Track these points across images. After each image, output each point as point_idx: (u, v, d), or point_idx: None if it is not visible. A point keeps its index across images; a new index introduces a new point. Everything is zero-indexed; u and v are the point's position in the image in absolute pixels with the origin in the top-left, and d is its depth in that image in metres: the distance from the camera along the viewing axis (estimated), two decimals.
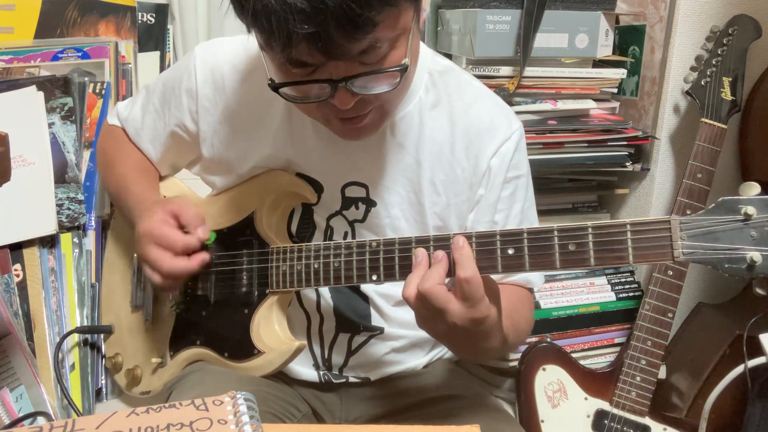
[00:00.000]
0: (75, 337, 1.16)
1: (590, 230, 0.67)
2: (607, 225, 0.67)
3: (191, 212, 0.88)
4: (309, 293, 0.95)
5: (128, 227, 1.09)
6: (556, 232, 0.69)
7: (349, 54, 0.66)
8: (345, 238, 0.93)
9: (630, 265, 1.37)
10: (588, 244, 0.67)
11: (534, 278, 0.97)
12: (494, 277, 0.92)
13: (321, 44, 0.64)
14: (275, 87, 0.72)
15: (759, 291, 0.64)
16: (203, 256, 0.88)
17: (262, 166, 0.93)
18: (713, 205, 0.64)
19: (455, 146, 0.90)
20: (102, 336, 1.18)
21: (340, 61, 0.67)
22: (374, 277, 0.79)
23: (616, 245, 0.67)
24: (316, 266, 0.84)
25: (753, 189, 0.64)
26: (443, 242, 0.73)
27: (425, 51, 0.92)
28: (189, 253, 0.87)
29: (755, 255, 0.62)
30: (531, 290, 0.98)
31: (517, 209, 0.94)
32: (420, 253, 0.73)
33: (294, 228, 0.95)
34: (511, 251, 0.70)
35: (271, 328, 0.92)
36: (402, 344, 0.99)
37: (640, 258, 0.66)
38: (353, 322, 0.96)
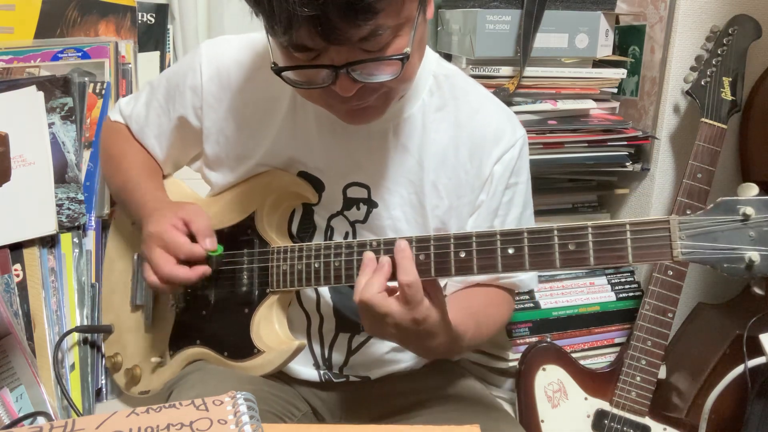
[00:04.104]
0: (75, 337, 1.16)
1: (590, 230, 0.68)
2: (606, 225, 0.67)
3: (203, 222, 0.89)
4: (308, 293, 0.95)
5: (129, 226, 1.09)
6: (556, 232, 0.69)
7: (349, 40, 0.66)
8: (346, 238, 0.93)
9: (630, 265, 1.37)
10: (588, 243, 0.68)
11: (524, 282, 0.97)
12: (491, 276, 0.93)
13: (321, 28, 0.64)
14: (278, 71, 0.72)
15: (757, 290, 0.64)
16: (204, 269, 0.88)
17: (265, 164, 0.93)
18: (712, 205, 0.64)
19: (459, 150, 0.90)
20: (102, 335, 1.18)
21: (341, 47, 0.67)
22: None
23: (615, 245, 0.67)
24: (316, 266, 0.84)
25: (751, 190, 0.64)
26: (444, 242, 0.74)
27: (431, 55, 0.92)
28: (191, 262, 0.88)
29: (754, 255, 0.62)
30: (514, 293, 0.99)
31: (513, 215, 0.95)
32: (367, 257, 0.75)
33: (294, 228, 0.95)
34: (511, 251, 0.71)
35: (271, 328, 0.92)
36: None
37: (640, 258, 0.66)
38: (353, 322, 0.96)
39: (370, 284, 0.72)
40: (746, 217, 0.62)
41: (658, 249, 0.65)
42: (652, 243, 0.66)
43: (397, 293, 0.72)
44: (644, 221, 0.66)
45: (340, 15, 0.63)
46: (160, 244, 0.87)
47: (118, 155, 1.06)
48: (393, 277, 0.74)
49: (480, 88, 0.95)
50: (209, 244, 0.88)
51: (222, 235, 0.95)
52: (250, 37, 0.93)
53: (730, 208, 0.63)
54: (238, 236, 0.94)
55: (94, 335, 1.18)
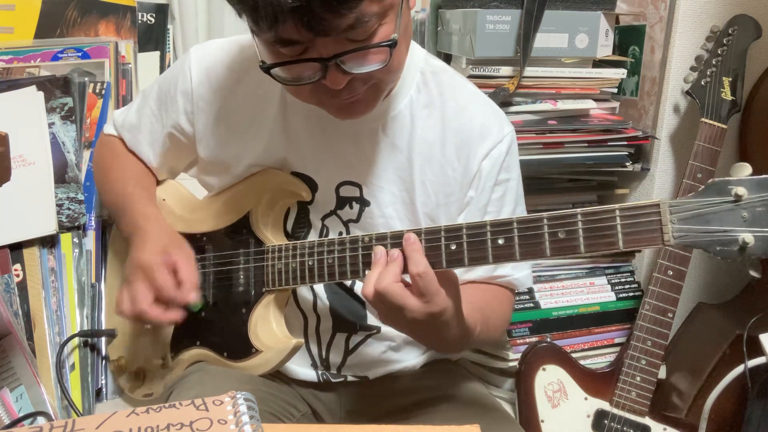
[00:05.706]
0: (75, 338, 1.15)
1: (579, 217, 0.67)
2: (596, 211, 0.67)
3: (192, 272, 0.88)
4: (305, 294, 0.95)
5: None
6: (545, 220, 0.68)
7: (335, 30, 0.66)
8: None
9: (626, 261, 1.37)
10: (578, 231, 0.67)
11: (519, 280, 0.96)
12: (481, 271, 0.92)
13: (306, 19, 0.64)
14: (266, 68, 0.72)
15: (753, 274, 0.63)
16: (176, 317, 0.87)
17: (257, 165, 0.93)
18: (703, 187, 0.63)
19: (446, 147, 0.90)
20: (104, 338, 1.17)
21: (328, 38, 0.67)
22: (367, 273, 0.78)
23: (605, 231, 0.66)
24: (310, 263, 0.84)
25: (745, 169, 0.62)
26: (434, 235, 0.73)
27: (419, 51, 0.92)
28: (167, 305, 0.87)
29: (747, 236, 0.60)
30: (513, 291, 0.99)
31: (506, 212, 0.94)
32: (378, 251, 0.74)
33: (290, 228, 0.95)
34: (501, 241, 0.70)
35: (268, 327, 0.92)
36: (399, 343, 0.99)
37: (631, 243, 0.65)
38: (350, 322, 0.96)
39: (385, 274, 0.71)
40: (738, 198, 0.60)
41: (649, 234, 0.64)
42: (642, 228, 0.64)
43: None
44: (634, 205, 0.65)
45: (323, 5, 0.63)
46: (145, 277, 0.86)
47: (106, 169, 1.06)
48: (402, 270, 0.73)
49: (468, 85, 0.95)
50: (192, 297, 0.87)
51: (219, 237, 0.96)
52: (238, 39, 0.93)
53: (721, 189, 0.61)
54: (235, 236, 0.94)
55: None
